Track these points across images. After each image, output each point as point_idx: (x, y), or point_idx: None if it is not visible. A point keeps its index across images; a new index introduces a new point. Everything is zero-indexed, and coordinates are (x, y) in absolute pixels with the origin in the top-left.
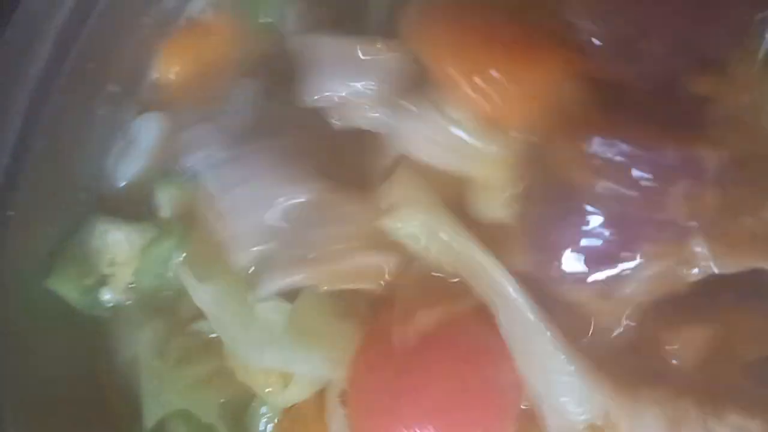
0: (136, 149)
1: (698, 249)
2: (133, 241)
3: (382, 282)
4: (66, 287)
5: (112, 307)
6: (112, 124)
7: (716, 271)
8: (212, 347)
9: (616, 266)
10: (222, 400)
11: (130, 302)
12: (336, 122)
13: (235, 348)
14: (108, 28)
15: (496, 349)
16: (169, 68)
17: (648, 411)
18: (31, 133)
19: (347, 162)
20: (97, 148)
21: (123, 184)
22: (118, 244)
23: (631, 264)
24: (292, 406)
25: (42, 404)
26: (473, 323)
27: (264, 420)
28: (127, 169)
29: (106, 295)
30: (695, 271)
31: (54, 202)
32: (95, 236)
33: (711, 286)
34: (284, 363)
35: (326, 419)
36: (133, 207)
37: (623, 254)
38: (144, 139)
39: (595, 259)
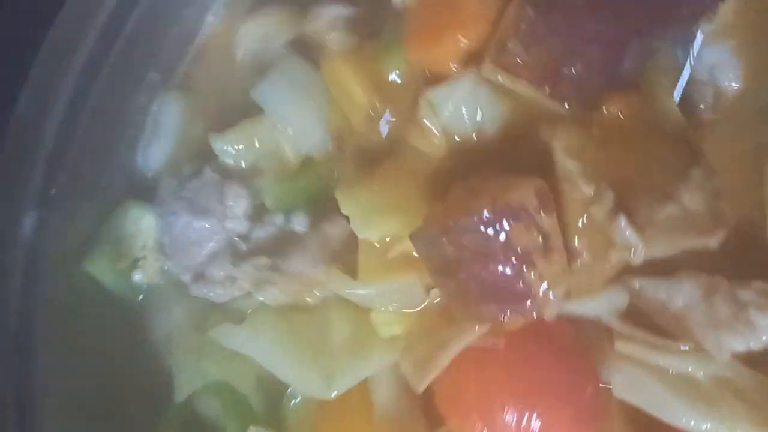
0: (162, 133)
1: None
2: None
3: None
4: (101, 270)
5: (145, 288)
6: (147, 111)
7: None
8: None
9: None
10: (259, 374)
11: (162, 283)
12: None
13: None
14: (152, 19)
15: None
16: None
17: (686, 282)
18: (75, 115)
19: None
20: (134, 133)
21: (154, 168)
22: (151, 229)
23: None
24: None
25: (78, 378)
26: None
27: (296, 400)
28: (156, 153)
29: (138, 278)
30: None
31: (93, 185)
32: (129, 221)
33: None
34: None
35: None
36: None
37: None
38: (167, 122)
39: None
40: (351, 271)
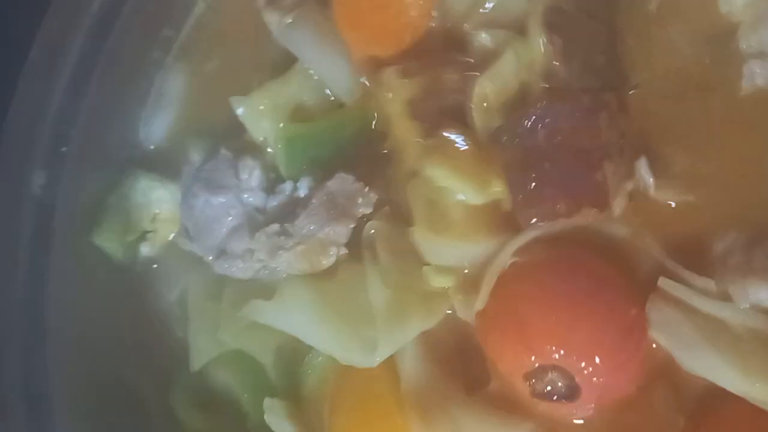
0: (166, 102)
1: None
2: (177, 197)
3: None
4: (110, 243)
5: (153, 259)
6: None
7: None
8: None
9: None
10: (278, 345)
11: (170, 254)
12: None
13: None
14: None
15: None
16: None
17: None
18: (86, 72)
19: None
20: (144, 98)
21: (157, 140)
22: (161, 201)
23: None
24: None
25: (88, 348)
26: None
27: (316, 370)
28: (160, 123)
29: (146, 250)
30: None
31: (103, 148)
32: (138, 192)
33: None
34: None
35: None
36: (170, 162)
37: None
38: (172, 91)
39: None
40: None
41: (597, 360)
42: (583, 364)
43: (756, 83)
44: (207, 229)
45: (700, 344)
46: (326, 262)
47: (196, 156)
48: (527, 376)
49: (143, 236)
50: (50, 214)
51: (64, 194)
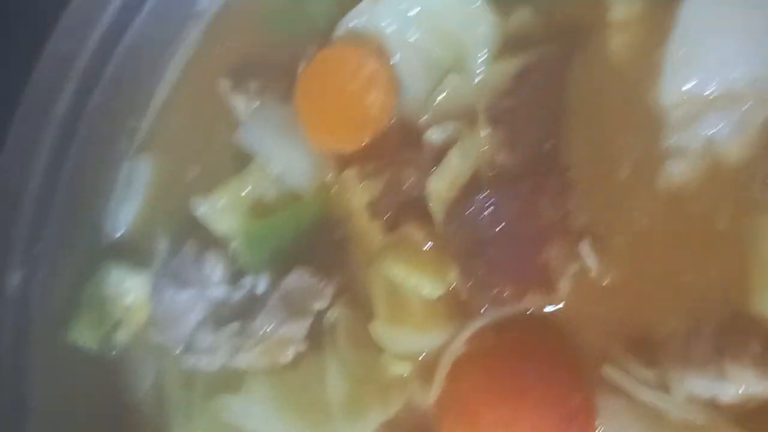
0: (132, 192)
1: None
2: (147, 286)
3: None
4: (85, 337)
5: (126, 346)
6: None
7: None
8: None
9: None
10: None
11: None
12: None
13: None
14: (130, 66)
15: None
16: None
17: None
18: (56, 171)
19: None
20: (111, 189)
21: (124, 228)
22: (132, 290)
23: None
24: None
25: None
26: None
27: None
28: (126, 212)
29: (121, 338)
30: None
31: (74, 243)
32: (110, 284)
33: None
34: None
35: None
36: (139, 250)
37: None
38: (138, 181)
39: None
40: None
41: None
42: None
43: (672, 181)
44: (174, 322)
45: None
46: (285, 359)
47: (163, 247)
48: None
49: (117, 325)
50: (26, 311)
51: (38, 291)
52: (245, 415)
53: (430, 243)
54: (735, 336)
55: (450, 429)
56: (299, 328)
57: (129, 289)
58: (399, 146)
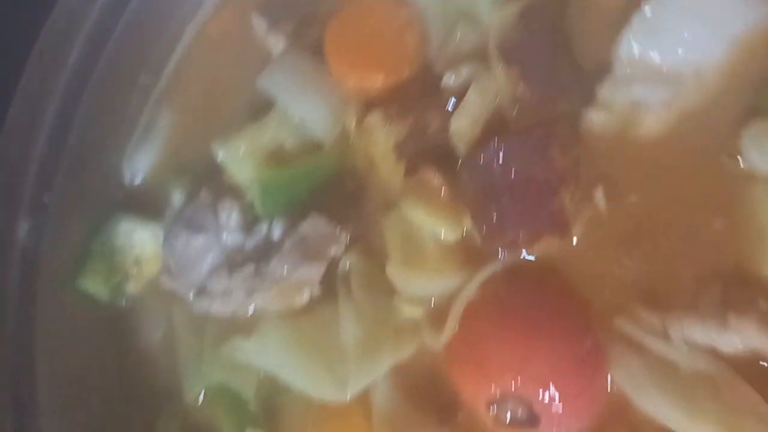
0: (150, 140)
1: None
2: (158, 238)
3: None
4: (95, 286)
5: (138, 297)
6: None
7: None
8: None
9: None
10: (259, 379)
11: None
12: None
13: None
14: (141, 22)
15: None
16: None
17: None
18: (66, 122)
19: None
20: (125, 141)
21: (140, 178)
22: (143, 242)
23: None
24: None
25: (77, 386)
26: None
27: (296, 404)
28: (144, 161)
29: (131, 289)
30: None
31: (84, 194)
32: (121, 235)
33: None
34: None
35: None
36: (151, 201)
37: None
38: (157, 129)
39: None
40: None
41: (552, 388)
42: (539, 393)
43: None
44: (187, 268)
45: (650, 386)
46: (300, 301)
47: (178, 196)
48: (489, 406)
49: (128, 277)
50: (35, 261)
51: (47, 241)
52: (258, 356)
53: (446, 189)
54: (744, 291)
55: (460, 372)
56: (315, 271)
57: (141, 241)
58: (421, 92)
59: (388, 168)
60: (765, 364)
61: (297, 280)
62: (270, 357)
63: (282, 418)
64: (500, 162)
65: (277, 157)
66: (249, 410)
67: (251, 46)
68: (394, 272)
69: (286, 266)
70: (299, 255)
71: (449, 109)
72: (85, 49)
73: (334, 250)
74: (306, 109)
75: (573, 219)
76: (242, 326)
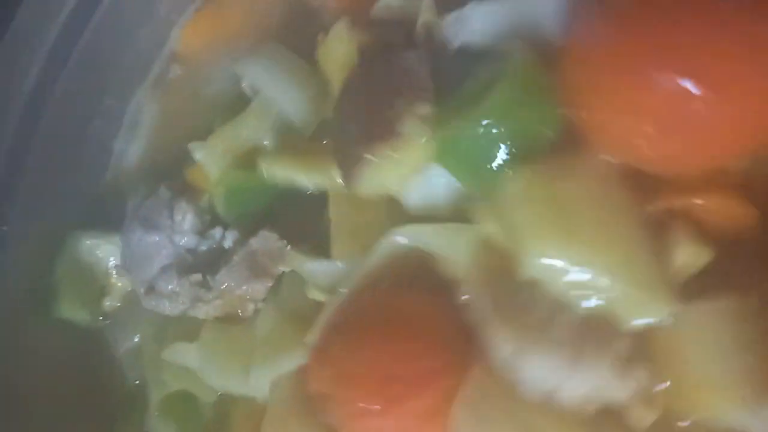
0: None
1: None
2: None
3: None
4: (74, 311)
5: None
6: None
7: None
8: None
9: None
10: None
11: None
12: None
13: None
14: (105, 39)
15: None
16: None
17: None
18: (25, 145)
19: None
20: (86, 159)
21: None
22: (110, 254)
23: None
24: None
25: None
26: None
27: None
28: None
29: (109, 303)
30: None
31: (45, 215)
32: (84, 252)
33: None
34: None
35: None
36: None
37: None
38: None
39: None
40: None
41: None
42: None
43: None
44: (140, 264)
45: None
46: (244, 315)
47: (140, 192)
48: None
49: (103, 293)
50: None
51: (9, 270)
52: (189, 358)
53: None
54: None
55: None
56: (260, 287)
57: (107, 254)
58: None
59: None
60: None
61: (242, 294)
62: (196, 360)
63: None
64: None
65: (252, 158)
66: (203, 417)
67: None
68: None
69: (232, 281)
70: (246, 271)
71: None
72: (44, 72)
73: (282, 267)
74: (283, 97)
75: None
76: (192, 330)
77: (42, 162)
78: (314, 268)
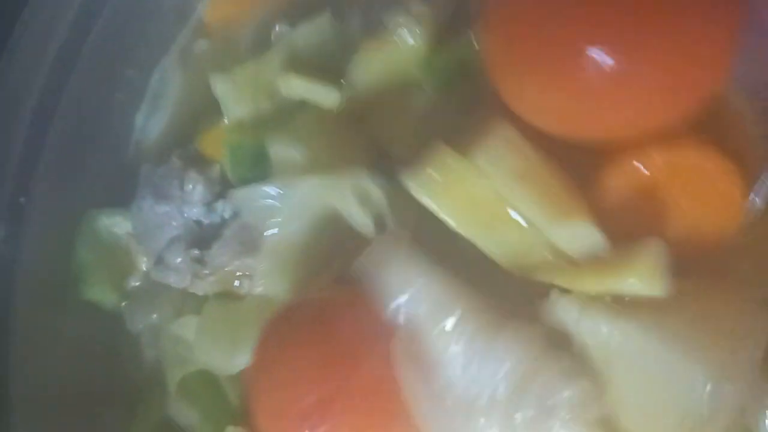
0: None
1: None
2: None
3: None
4: (102, 294)
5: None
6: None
7: None
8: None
9: None
10: None
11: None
12: None
13: None
14: (128, 10)
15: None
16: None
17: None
18: (46, 119)
19: None
20: (107, 136)
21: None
22: (126, 229)
23: None
24: None
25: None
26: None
27: None
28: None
29: (134, 282)
30: None
31: (66, 190)
32: (102, 232)
33: None
34: None
35: None
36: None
37: None
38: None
39: None
40: None
41: None
42: None
43: None
44: (151, 234)
45: None
46: (238, 291)
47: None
48: None
49: (127, 272)
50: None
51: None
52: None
53: None
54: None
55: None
56: (253, 263)
57: (126, 231)
58: None
59: None
60: None
61: (234, 269)
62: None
63: None
64: None
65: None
66: (229, 403)
67: None
68: None
69: (223, 256)
70: (238, 245)
71: None
72: (66, 44)
73: None
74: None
75: None
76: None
77: (63, 135)
78: None
